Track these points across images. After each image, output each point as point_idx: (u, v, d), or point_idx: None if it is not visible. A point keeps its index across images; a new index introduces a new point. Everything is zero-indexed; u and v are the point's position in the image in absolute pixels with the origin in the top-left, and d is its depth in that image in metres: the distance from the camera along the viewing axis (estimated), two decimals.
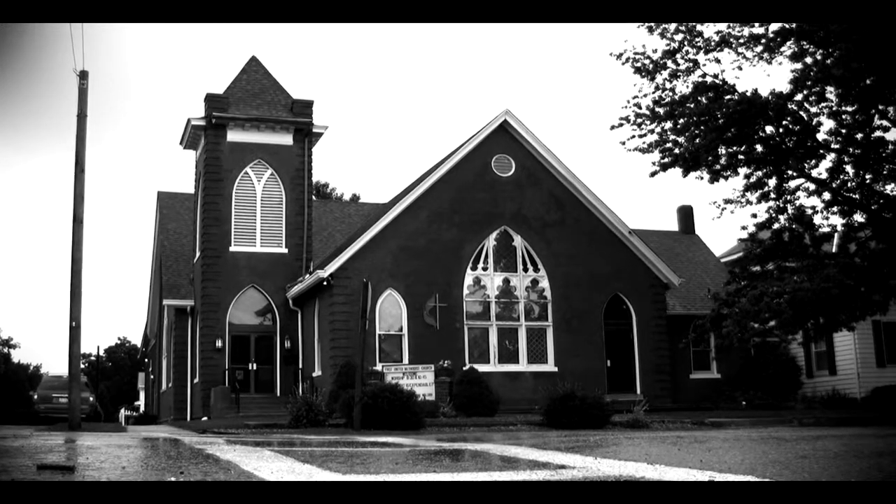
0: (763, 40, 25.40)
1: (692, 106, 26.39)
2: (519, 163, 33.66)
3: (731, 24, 25.83)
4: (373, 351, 30.41)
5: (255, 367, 35.59)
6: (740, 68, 26.19)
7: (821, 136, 26.37)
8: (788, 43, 25.22)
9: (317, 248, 38.48)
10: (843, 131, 26.01)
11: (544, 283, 33.17)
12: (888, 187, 26.40)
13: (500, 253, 33.21)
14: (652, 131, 27.24)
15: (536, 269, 33.24)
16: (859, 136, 25.93)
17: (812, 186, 27.00)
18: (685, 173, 27.06)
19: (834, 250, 28.11)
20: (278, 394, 34.47)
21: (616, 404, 24.29)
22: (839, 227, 27.44)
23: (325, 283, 31.29)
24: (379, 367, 29.06)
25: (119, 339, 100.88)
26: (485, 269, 32.84)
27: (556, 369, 31.98)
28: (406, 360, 30.74)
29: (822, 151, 26.40)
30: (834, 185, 26.63)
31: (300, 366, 35.15)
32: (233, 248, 35.87)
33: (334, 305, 31.06)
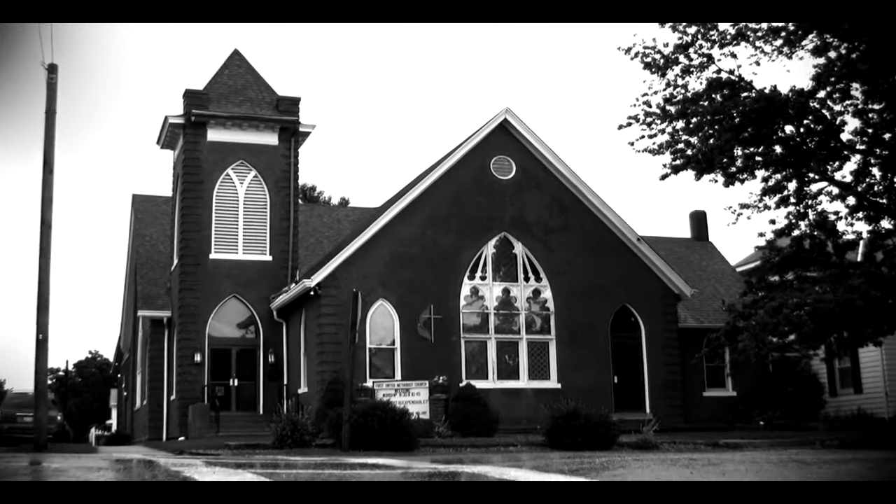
0: (783, 33, 25.30)
1: (706, 104, 26.32)
2: (520, 165, 33.57)
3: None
4: (363, 366, 30.26)
5: (236, 383, 35.42)
6: (758, 63, 26.12)
7: (845, 137, 26.30)
8: (810, 36, 25.12)
9: (303, 256, 38.35)
10: (870, 131, 25.95)
11: (547, 294, 33.06)
12: None
13: (500, 261, 33.09)
14: (663, 131, 27.15)
15: (538, 279, 33.13)
16: (887, 136, 25.87)
17: (835, 190, 26.91)
18: (698, 176, 26.97)
19: (859, 259, 28.03)
20: (261, 412, 34.31)
21: (623, 424, 24.14)
22: (865, 234, 27.35)
23: (312, 293, 31.15)
24: (369, 383, 28.91)
25: (90, 353, 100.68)
26: (483, 278, 32.72)
27: (559, 386, 31.85)
28: (398, 375, 30.59)
29: (846, 153, 26.33)
30: (859, 189, 26.55)
31: (285, 382, 34.97)
32: (213, 256, 35.70)
33: (322, 317, 30.90)
